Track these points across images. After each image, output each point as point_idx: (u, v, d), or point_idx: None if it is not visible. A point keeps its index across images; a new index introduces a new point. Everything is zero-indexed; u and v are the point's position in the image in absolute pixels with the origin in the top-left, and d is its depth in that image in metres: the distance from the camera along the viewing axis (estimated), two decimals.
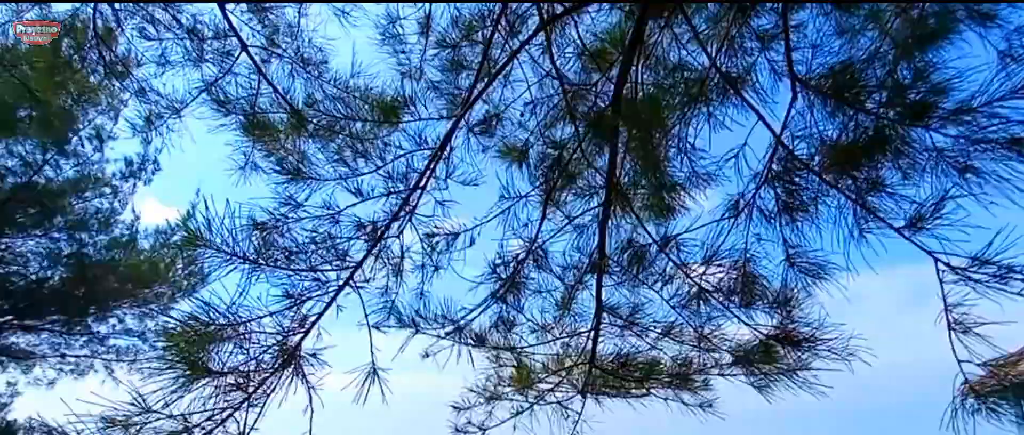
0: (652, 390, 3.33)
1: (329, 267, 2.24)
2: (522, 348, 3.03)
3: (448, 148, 2.44)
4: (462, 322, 2.68)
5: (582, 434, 3.39)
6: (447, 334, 2.69)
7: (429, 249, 2.69)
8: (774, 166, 2.42)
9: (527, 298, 2.92)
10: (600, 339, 3.29)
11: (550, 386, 3.31)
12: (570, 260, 2.81)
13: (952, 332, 2.03)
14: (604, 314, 3.05)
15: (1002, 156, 1.96)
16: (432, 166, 2.41)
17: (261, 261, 2.08)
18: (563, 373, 3.29)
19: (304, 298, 2.15)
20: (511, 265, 2.63)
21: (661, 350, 3.33)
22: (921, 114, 2.09)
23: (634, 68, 2.31)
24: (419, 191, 2.48)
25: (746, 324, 2.71)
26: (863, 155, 2.09)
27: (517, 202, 2.63)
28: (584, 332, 3.06)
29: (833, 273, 2.52)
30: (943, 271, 2.01)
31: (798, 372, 2.75)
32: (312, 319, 2.16)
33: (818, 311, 2.53)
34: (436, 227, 2.68)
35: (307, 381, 2.12)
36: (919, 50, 2.18)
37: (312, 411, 2.19)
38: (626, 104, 2.25)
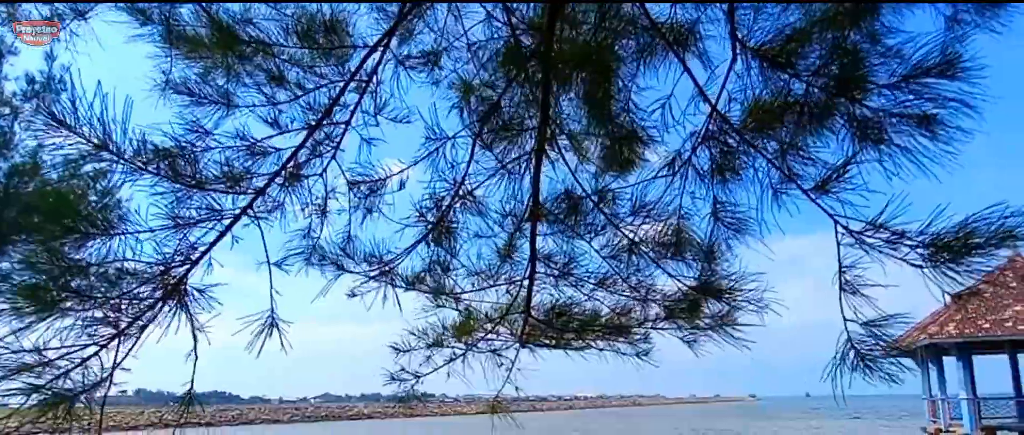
0: (590, 342, 3.45)
1: (224, 189, 2.09)
2: (458, 294, 3.10)
3: (375, 80, 2.42)
4: (389, 263, 2.68)
5: (516, 382, 3.51)
6: (373, 277, 2.70)
7: (356, 190, 2.66)
8: (710, 127, 2.51)
9: (463, 243, 2.97)
10: (538, 289, 3.39)
11: (487, 334, 3.41)
12: (508, 208, 2.87)
13: (842, 292, 2.17)
14: (540, 264, 3.14)
15: (912, 130, 2.08)
16: (359, 99, 2.39)
17: (140, 163, 1.85)
18: (500, 321, 3.39)
19: (193, 222, 2.01)
20: (439, 209, 2.63)
21: (598, 301, 3.45)
22: (848, 85, 2.19)
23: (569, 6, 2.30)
24: (344, 126, 2.45)
25: (671, 276, 2.83)
26: (778, 116, 2.19)
27: (446, 143, 2.62)
28: (519, 280, 3.14)
29: (755, 230, 2.62)
30: (842, 234, 2.14)
31: (723, 326, 2.88)
32: (202, 250, 2.01)
33: (738, 264, 2.65)
34: (361, 167, 2.64)
35: (194, 320, 2.01)
36: (866, 18, 2.23)
37: (196, 356, 2.07)
38: (572, 45, 2.29)
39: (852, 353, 2.14)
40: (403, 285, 2.87)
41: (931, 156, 2.09)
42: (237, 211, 2.11)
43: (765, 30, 2.26)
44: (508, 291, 3.26)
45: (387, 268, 2.66)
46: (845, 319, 2.15)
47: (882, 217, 2.02)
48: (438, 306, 3.35)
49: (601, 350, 3.42)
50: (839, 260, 2.17)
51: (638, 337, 3.38)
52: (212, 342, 2.12)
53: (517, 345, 3.27)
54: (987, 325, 19.75)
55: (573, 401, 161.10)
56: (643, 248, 2.84)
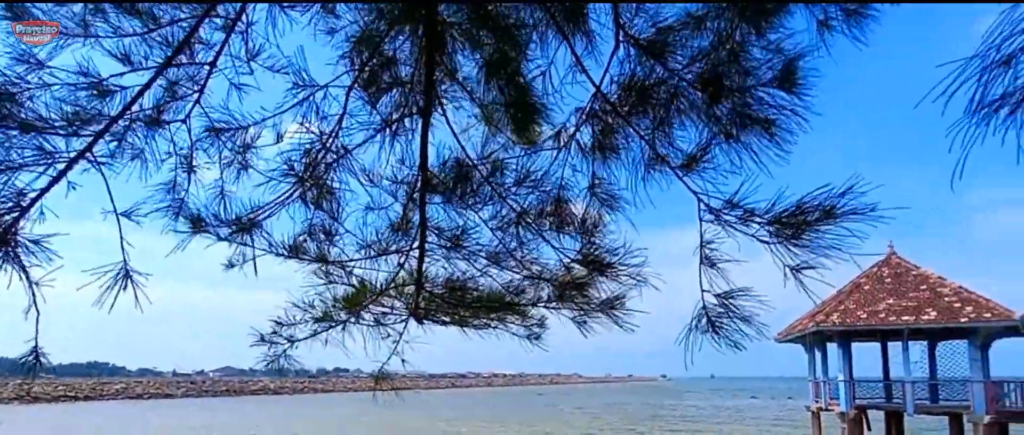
0: (486, 320, 3.50)
1: (59, 130, 1.90)
2: (343, 263, 3.04)
3: (244, 19, 2.29)
4: (253, 219, 2.55)
5: (412, 356, 3.50)
6: (232, 233, 2.57)
7: (225, 141, 2.51)
8: (594, 106, 2.61)
9: (351, 212, 2.90)
10: (431, 262, 3.39)
11: (378, 307, 3.37)
12: (400, 176, 2.84)
13: (702, 265, 2.35)
14: (431, 235, 3.15)
15: (755, 131, 2.28)
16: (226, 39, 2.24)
17: None
18: (389, 293, 3.37)
19: (18, 166, 1.82)
20: (314, 165, 2.53)
21: (492, 278, 3.51)
22: (708, 84, 2.35)
23: None
24: (208, 67, 2.31)
25: (554, 248, 2.93)
26: (649, 100, 2.33)
27: (317, 92, 2.51)
28: (409, 250, 3.13)
29: (625, 206, 2.74)
30: (703, 210, 2.31)
31: (612, 309, 3.01)
32: (33, 196, 1.82)
33: (622, 238, 2.78)
34: (230, 115, 2.48)
35: (27, 274, 1.86)
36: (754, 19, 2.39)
37: (37, 313, 1.93)
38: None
39: (705, 320, 2.32)
40: (283, 253, 2.78)
41: (769, 153, 2.30)
42: (73, 154, 1.94)
43: (643, 23, 2.37)
44: (401, 263, 3.25)
45: (249, 224, 2.53)
46: (702, 289, 2.33)
47: (736, 196, 2.19)
48: (329, 279, 3.28)
49: (495, 329, 3.49)
50: (701, 235, 2.34)
51: (534, 320, 3.47)
52: (98, 312, 1.98)
53: (409, 319, 3.27)
54: (864, 316, 21.83)
55: (491, 379, 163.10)
56: (527, 219, 2.92)
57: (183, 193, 2.54)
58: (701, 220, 2.32)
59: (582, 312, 3.15)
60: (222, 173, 2.57)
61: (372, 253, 3.03)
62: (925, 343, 24.67)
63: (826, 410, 24.71)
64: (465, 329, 3.61)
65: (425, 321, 3.57)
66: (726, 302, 2.26)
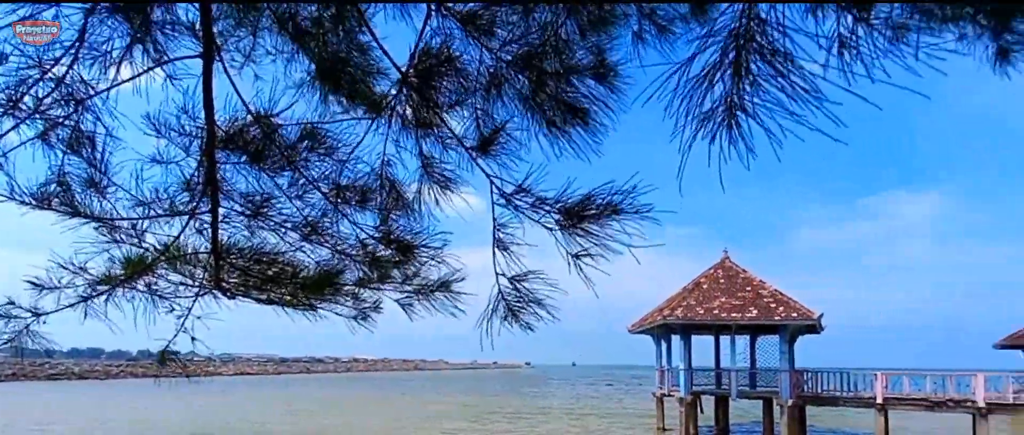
0: (302, 298, 3.27)
1: None
2: (112, 220, 2.67)
3: None
4: None
5: (202, 332, 3.17)
6: None
7: None
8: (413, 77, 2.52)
9: (127, 160, 2.53)
10: (233, 230, 3.10)
11: (162, 274, 3.03)
12: (186, 126, 2.54)
13: (495, 248, 2.37)
14: (232, 201, 2.88)
15: (567, 117, 2.34)
16: None
17: None
18: (183, 262, 3.04)
19: None
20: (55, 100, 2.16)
21: (306, 253, 3.30)
22: (525, 66, 2.37)
23: None
24: None
25: (355, 225, 2.81)
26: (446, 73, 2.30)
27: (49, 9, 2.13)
28: (194, 213, 2.83)
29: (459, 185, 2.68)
30: (496, 194, 2.33)
31: (439, 292, 2.94)
32: None
33: (428, 220, 2.72)
34: None
35: None
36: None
37: None
38: None
39: (503, 305, 2.35)
40: (30, 201, 2.37)
41: (580, 141, 2.36)
42: None
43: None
44: (198, 229, 2.94)
45: None
46: (496, 273, 2.35)
47: (527, 183, 2.23)
48: (112, 240, 2.88)
49: (315, 309, 3.29)
50: (494, 218, 2.35)
51: (367, 303, 3.32)
52: None
53: (203, 291, 2.98)
54: (702, 311, 24.25)
55: (351, 363, 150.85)
56: (321, 189, 2.77)
57: None
58: (494, 203, 2.33)
59: (408, 295, 3.06)
60: None
61: (154, 212, 2.69)
62: (748, 337, 28.02)
63: (668, 396, 27.17)
64: (285, 309, 3.38)
65: (235, 297, 3.29)
66: (518, 285, 2.30)
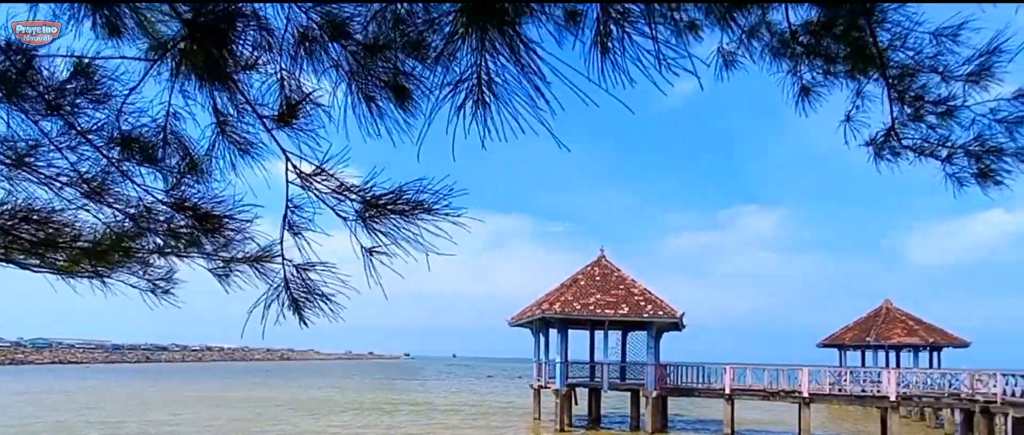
0: (85, 265, 2.78)
1: None
2: None
3: None
4: None
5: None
6: None
7: None
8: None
9: None
10: None
11: None
12: None
13: (288, 232, 2.13)
14: None
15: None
16: None
17: None
18: None
19: None
20: None
21: (92, 213, 2.81)
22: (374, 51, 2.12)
23: None
24: None
25: (136, 184, 2.42)
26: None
27: None
28: None
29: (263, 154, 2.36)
30: (292, 172, 2.09)
31: (259, 261, 2.57)
32: None
33: (233, 191, 2.39)
34: None
35: None
36: None
37: None
38: None
39: (286, 294, 2.10)
40: None
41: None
42: None
43: None
44: None
45: None
46: (283, 259, 2.11)
47: (327, 162, 2.00)
48: None
49: (102, 278, 2.81)
50: (287, 198, 2.11)
51: (159, 272, 2.89)
52: None
53: None
54: (578, 306, 25.21)
55: (203, 353, 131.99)
56: (96, 137, 2.36)
57: None
58: (288, 182, 2.08)
59: (222, 264, 2.68)
60: None
61: None
62: (620, 333, 29.58)
63: (545, 388, 27.93)
64: (62, 277, 2.86)
65: None
66: (304, 275, 2.07)
